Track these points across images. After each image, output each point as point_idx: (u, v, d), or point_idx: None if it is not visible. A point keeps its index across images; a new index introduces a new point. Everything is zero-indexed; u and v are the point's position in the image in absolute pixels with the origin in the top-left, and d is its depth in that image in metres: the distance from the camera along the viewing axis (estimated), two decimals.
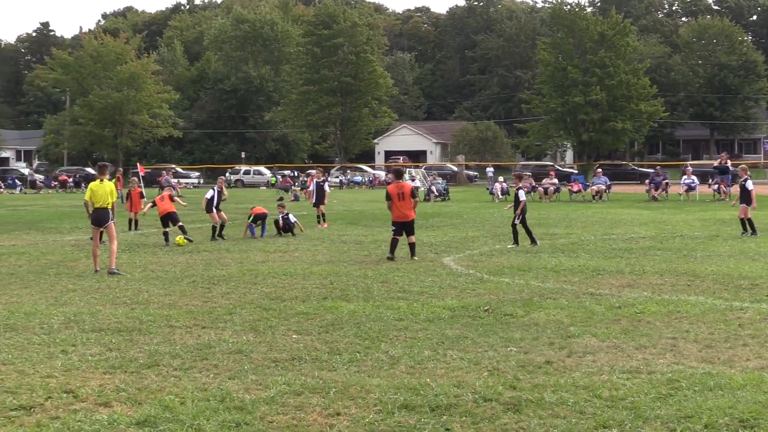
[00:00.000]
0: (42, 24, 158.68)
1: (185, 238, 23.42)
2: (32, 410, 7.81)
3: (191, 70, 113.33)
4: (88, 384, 8.64)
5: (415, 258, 19.39)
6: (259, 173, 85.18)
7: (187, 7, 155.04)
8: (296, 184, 63.72)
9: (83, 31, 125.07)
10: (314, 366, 9.39)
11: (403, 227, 19.76)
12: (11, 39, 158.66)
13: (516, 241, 22.18)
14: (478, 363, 9.51)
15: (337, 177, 77.11)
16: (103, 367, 9.38)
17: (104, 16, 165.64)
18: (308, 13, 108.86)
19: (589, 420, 7.54)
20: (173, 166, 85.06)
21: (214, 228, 25.10)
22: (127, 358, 9.75)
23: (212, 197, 25.62)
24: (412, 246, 19.75)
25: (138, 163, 67.49)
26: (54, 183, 74.83)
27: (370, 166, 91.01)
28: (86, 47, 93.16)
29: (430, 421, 7.52)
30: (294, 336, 10.97)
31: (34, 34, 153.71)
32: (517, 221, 22.23)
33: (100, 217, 17.71)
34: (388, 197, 19.88)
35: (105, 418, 7.55)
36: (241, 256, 20.59)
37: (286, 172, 77.53)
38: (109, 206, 17.83)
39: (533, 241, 22.26)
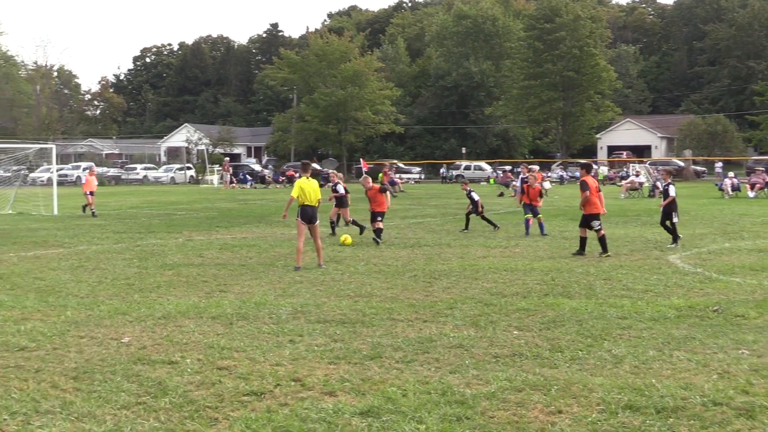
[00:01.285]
0: (271, 25, 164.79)
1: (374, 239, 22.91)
2: (262, 396, 8.10)
3: (413, 66, 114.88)
4: (315, 373, 8.88)
5: (609, 254, 19.08)
6: (480, 168, 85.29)
7: (409, 4, 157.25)
8: (517, 179, 63.30)
9: (309, 30, 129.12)
10: (535, 363, 9.30)
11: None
12: (243, 40, 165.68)
13: (675, 240, 21.33)
14: (707, 365, 9.15)
15: (558, 173, 76.17)
16: (328, 357, 9.63)
17: (330, 15, 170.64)
18: (530, 8, 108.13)
19: None
20: (395, 161, 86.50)
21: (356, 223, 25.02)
22: (351, 350, 9.97)
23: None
24: (603, 240, 19.54)
25: (361, 159, 69.20)
26: (281, 178, 77.53)
27: (591, 161, 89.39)
28: (312, 46, 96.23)
29: (656, 423, 7.29)
30: (515, 332, 10.90)
31: (264, 35, 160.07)
32: (676, 219, 21.39)
33: (309, 215, 17.56)
34: (587, 188, 19.55)
35: (330, 407, 7.74)
36: (462, 251, 20.66)
37: (507, 167, 77.28)
38: (317, 204, 17.75)
39: (675, 240, 21.30)
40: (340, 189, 25.12)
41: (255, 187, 72.37)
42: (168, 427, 7.25)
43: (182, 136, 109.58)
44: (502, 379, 8.58)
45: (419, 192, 58.17)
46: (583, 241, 19.76)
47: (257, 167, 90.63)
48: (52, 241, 24.04)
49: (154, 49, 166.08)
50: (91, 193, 35.11)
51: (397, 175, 67.68)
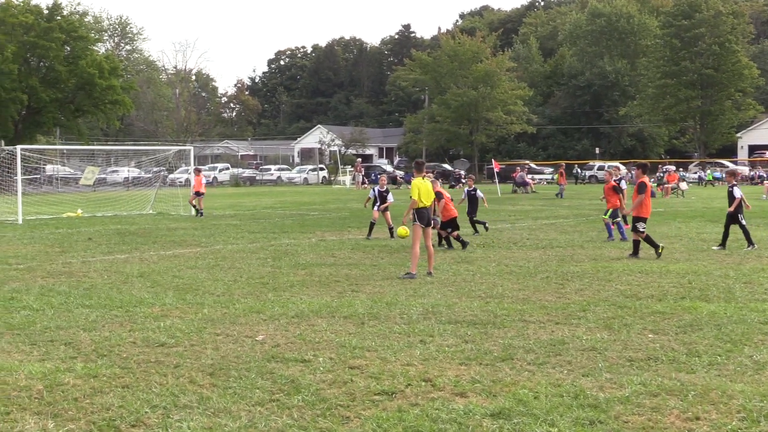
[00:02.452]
0: (404, 26, 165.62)
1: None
2: (393, 396, 8.12)
3: (545, 66, 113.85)
4: (445, 374, 8.86)
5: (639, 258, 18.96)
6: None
7: (542, 3, 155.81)
8: (652, 180, 62.00)
9: (441, 31, 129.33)
10: (671, 367, 9.06)
11: None
12: (376, 42, 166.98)
13: (750, 242, 20.71)
14: None
15: (695, 173, 74.30)
16: (459, 358, 9.60)
17: (462, 15, 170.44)
18: (667, 4, 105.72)
19: None
20: (527, 162, 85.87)
21: (371, 224, 25.17)
22: (482, 351, 9.91)
23: (374, 197, 25.56)
24: (638, 244, 19.44)
25: (492, 159, 68.93)
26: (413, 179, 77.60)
27: (731, 161, 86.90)
28: (444, 47, 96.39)
29: None
30: (650, 335, 10.66)
31: (396, 37, 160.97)
32: (743, 221, 20.80)
33: (427, 217, 16.80)
34: (645, 189, 19.32)
35: (461, 407, 7.71)
36: (595, 252, 20.35)
37: None
38: (430, 205, 17.02)
39: (751, 242, 20.70)
40: (390, 197, 25.31)
41: None
42: (301, 424, 7.34)
43: (315, 138, 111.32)
44: (636, 383, 8.40)
45: (551, 193, 57.54)
46: (649, 240, 19.33)
47: (389, 168, 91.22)
48: (190, 240, 24.71)
49: (288, 52, 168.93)
50: (198, 194, 35.88)
51: (529, 176, 67.19)
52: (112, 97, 73.63)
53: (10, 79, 66.90)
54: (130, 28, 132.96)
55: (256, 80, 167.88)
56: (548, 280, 15.78)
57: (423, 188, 16.70)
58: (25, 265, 18.73)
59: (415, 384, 8.50)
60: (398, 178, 78.07)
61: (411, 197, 16.65)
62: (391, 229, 24.59)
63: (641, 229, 19.17)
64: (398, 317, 12.04)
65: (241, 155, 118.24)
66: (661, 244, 19.31)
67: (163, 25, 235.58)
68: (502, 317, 11.91)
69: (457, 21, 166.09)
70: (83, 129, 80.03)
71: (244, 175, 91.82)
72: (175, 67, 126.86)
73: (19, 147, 36.01)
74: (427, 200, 16.77)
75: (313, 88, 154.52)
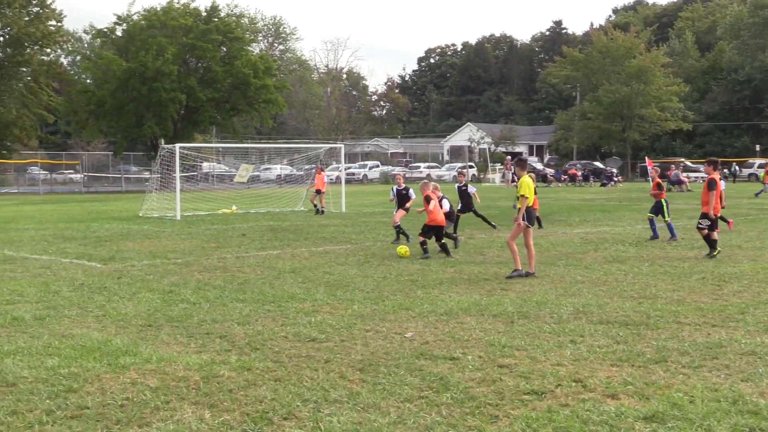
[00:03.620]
0: (555, 23, 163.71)
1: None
2: (543, 396, 8.03)
3: (702, 61, 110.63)
4: (596, 375, 8.71)
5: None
6: None
7: None
8: None
9: (593, 27, 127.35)
10: None
11: None
12: (526, 39, 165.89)
13: None
14: None
15: None
16: (610, 359, 9.41)
17: (614, 11, 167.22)
18: None
19: None
20: (682, 160, 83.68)
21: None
22: (634, 352, 9.69)
23: (394, 198, 24.77)
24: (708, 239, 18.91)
25: (646, 157, 67.47)
26: (564, 177, 76.76)
27: None
28: (595, 43, 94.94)
29: None
30: None
31: (547, 33, 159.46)
32: None
33: (533, 217, 16.55)
34: (714, 186, 18.88)
35: (612, 409, 7.56)
36: (754, 253, 19.63)
37: None
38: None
39: None
40: (411, 194, 24.46)
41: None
42: (449, 422, 7.33)
43: (465, 135, 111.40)
44: None
45: None
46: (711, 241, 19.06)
47: (539, 166, 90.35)
48: (340, 237, 25.03)
49: (438, 50, 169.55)
50: (318, 191, 36.12)
51: (684, 174, 65.45)
52: (266, 96, 75.40)
53: (170, 80, 69.30)
54: (284, 28, 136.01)
55: (406, 78, 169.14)
56: (704, 281, 15.31)
57: (532, 187, 16.28)
58: (182, 260, 19.37)
59: (566, 384, 8.38)
60: (548, 176, 77.25)
61: (521, 196, 16.12)
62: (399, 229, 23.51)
63: (703, 227, 18.84)
64: (548, 316, 11.90)
65: (391, 153, 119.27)
66: (718, 249, 18.89)
67: (315, 24, 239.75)
68: (656, 318, 11.63)
69: (609, 16, 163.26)
70: (238, 127, 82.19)
71: (394, 172, 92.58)
72: (327, 66, 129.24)
73: (177, 145, 37.20)
74: (532, 200, 16.29)
75: (462, 85, 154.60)
